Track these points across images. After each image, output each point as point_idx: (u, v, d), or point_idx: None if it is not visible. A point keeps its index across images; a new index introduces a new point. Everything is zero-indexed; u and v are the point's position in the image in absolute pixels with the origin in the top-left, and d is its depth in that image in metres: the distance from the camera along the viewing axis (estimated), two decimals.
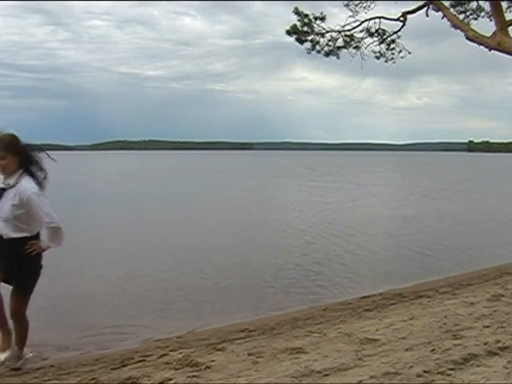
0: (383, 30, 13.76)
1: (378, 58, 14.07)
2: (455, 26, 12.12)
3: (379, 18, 13.62)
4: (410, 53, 13.86)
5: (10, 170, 5.66)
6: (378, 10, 13.66)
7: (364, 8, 13.44)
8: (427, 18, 12.85)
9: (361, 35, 13.72)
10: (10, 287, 5.79)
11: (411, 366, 4.85)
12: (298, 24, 13.27)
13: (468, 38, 11.68)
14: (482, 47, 11.60)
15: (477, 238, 15.95)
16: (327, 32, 13.46)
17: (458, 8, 13.46)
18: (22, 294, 5.82)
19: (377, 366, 4.94)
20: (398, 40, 13.90)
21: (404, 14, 13.29)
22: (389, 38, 13.83)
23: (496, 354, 5.15)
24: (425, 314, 6.94)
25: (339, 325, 6.80)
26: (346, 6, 13.37)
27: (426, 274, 10.66)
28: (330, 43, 13.62)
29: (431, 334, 5.89)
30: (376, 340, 5.83)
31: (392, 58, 14.10)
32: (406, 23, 13.43)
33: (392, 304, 8.00)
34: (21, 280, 5.78)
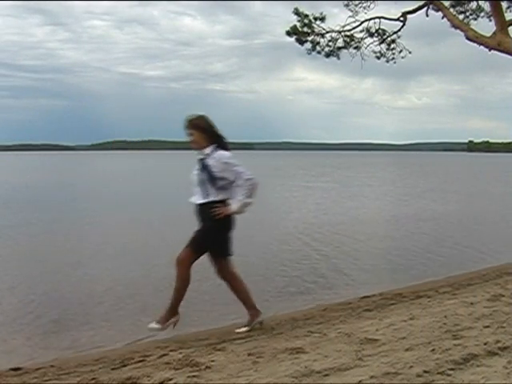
0: (383, 30, 13.78)
1: (378, 58, 14.10)
2: (455, 26, 12.13)
3: (379, 18, 13.64)
4: (410, 52, 13.87)
5: (201, 145, 6.57)
6: (377, 10, 13.68)
7: (364, 8, 13.45)
8: (427, 18, 12.87)
9: (361, 35, 13.74)
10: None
11: (411, 366, 4.83)
12: (298, 24, 13.28)
13: (468, 38, 11.69)
14: (482, 47, 11.61)
15: (476, 237, 15.96)
16: (327, 32, 13.47)
17: (457, 8, 13.47)
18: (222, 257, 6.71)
19: (377, 366, 4.92)
20: (398, 40, 13.92)
21: (404, 14, 13.30)
22: (389, 38, 13.85)
23: (496, 354, 5.13)
24: (425, 314, 6.93)
25: (339, 325, 6.79)
26: (346, 6, 13.39)
27: (426, 274, 10.67)
28: (330, 43, 13.62)
29: (431, 334, 5.88)
30: (376, 340, 5.82)
31: (393, 58, 14.14)
32: (406, 23, 13.45)
33: (392, 304, 7.99)
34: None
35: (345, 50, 13.78)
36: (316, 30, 13.35)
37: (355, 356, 5.27)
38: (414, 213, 21.47)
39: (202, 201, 6.53)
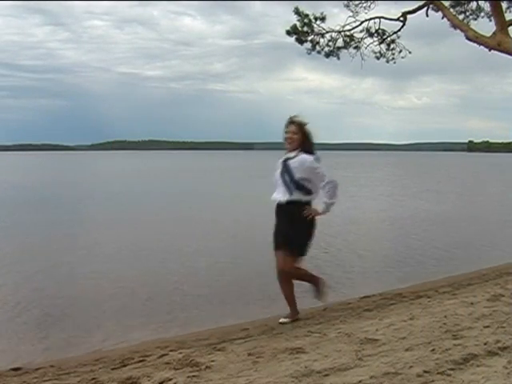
0: (383, 30, 13.78)
1: (378, 58, 14.09)
2: (455, 26, 12.14)
3: (379, 18, 13.64)
4: (410, 52, 13.86)
5: (295, 145, 6.97)
6: (377, 10, 13.68)
7: (364, 8, 13.45)
8: (427, 18, 12.87)
9: (361, 35, 13.73)
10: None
11: (411, 366, 4.83)
12: (298, 24, 13.27)
13: (468, 38, 11.69)
14: (482, 47, 11.61)
15: (476, 237, 15.96)
16: (327, 32, 13.47)
17: (457, 8, 13.47)
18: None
19: (377, 366, 4.92)
20: (397, 40, 13.92)
21: (404, 14, 13.30)
22: (389, 38, 13.84)
23: (496, 353, 5.13)
24: (425, 314, 6.93)
25: (339, 325, 6.78)
26: (346, 6, 13.38)
27: (426, 274, 10.66)
28: (330, 43, 13.62)
29: (431, 334, 5.88)
30: (376, 340, 5.82)
31: (393, 58, 14.13)
32: (406, 23, 13.44)
33: (392, 304, 7.98)
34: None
35: (345, 50, 13.79)
36: (316, 30, 13.35)
37: (355, 356, 5.27)
38: (411, 213, 21.46)
39: (287, 200, 6.90)
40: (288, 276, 7.14)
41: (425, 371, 4.70)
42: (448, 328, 6.10)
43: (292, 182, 6.86)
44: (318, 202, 7.01)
